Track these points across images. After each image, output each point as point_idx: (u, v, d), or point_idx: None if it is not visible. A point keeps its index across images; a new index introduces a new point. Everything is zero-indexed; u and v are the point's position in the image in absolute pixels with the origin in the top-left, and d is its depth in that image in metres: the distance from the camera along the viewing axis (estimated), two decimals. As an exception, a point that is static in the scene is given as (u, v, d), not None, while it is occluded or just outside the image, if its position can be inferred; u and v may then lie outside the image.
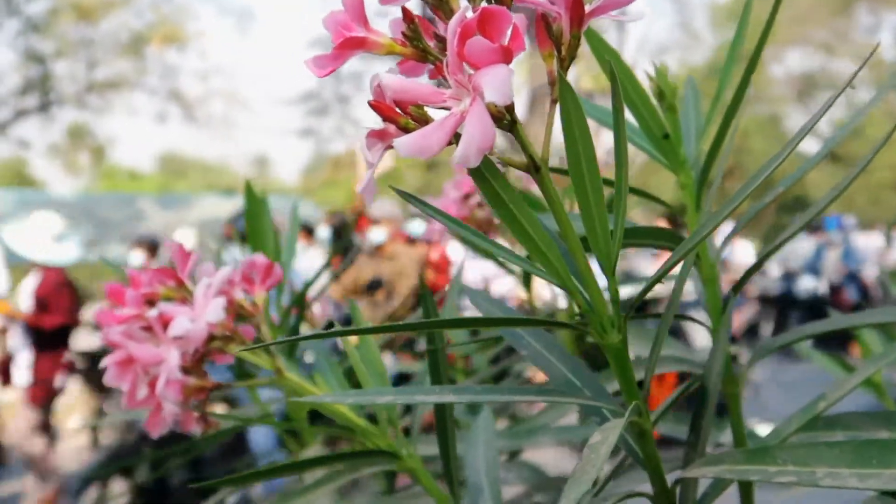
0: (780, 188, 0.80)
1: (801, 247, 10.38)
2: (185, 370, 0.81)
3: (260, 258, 0.88)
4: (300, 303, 1.18)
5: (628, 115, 0.82)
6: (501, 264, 1.38)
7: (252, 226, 1.18)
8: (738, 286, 0.76)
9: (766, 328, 10.39)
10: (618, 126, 0.56)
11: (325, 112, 20.40)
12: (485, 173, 0.53)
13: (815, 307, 9.87)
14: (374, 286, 5.23)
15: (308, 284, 1.22)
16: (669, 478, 0.63)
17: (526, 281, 1.35)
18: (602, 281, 0.59)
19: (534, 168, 0.55)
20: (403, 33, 0.54)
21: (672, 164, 0.79)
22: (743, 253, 8.88)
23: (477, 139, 0.47)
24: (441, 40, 0.55)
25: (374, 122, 0.56)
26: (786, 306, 10.49)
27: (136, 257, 6.65)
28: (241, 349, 0.80)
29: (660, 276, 0.59)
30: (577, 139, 0.53)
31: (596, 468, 0.48)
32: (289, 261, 1.23)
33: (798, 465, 0.52)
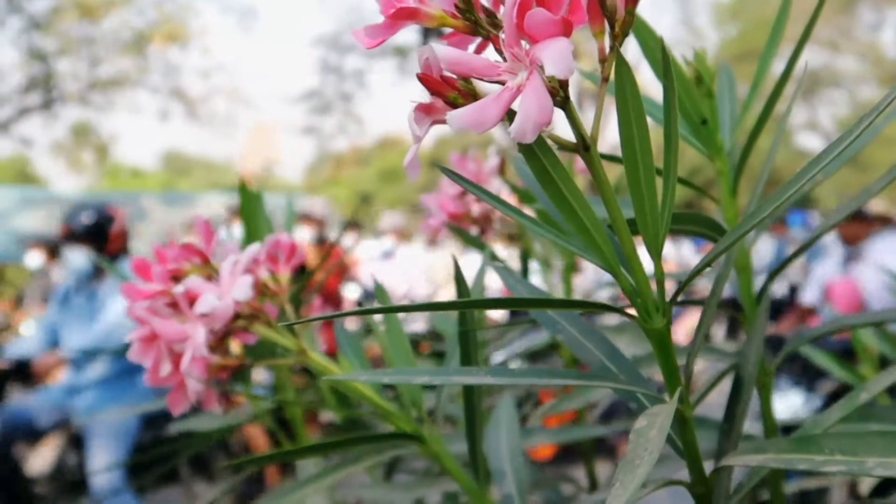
0: (804, 181, 0.79)
1: (763, 246, 10.15)
2: (210, 348, 0.80)
3: (284, 237, 0.87)
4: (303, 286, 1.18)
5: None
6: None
7: (248, 221, 1.17)
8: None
9: (719, 332, 10.20)
10: (668, 107, 0.54)
11: (328, 110, 20.34)
12: (536, 150, 0.52)
13: (772, 310, 9.59)
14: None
15: (314, 270, 1.22)
16: (708, 466, 0.62)
17: (566, 275, 1.33)
18: (647, 267, 0.58)
19: (583, 147, 0.54)
20: (456, 5, 0.52)
21: (709, 150, 0.78)
22: (765, 249, 8.80)
23: (534, 113, 0.46)
24: (489, 14, 0.54)
25: (421, 96, 0.55)
26: (738, 309, 10.23)
27: (34, 258, 6.65)
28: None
29: (707, 263, 0.58)
30: (632, 118, 0.52)
31: (649, 452, 0.47)
32: None
33: (847, 455, 0.51)
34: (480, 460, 0.80)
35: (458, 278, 0.67)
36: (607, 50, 0.54)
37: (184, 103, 19.35)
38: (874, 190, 0.75)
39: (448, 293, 6.35)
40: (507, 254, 1.47)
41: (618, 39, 0.54)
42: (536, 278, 1.42)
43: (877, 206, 4.57)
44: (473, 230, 1.38)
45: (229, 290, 0.78)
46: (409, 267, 7.45)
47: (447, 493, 0.88)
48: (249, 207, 1.18)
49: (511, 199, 1.35)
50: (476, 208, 1.39)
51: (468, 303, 0.55)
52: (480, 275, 0.84)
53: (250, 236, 1.16)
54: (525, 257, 1.36)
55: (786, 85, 0.72)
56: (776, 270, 0.76)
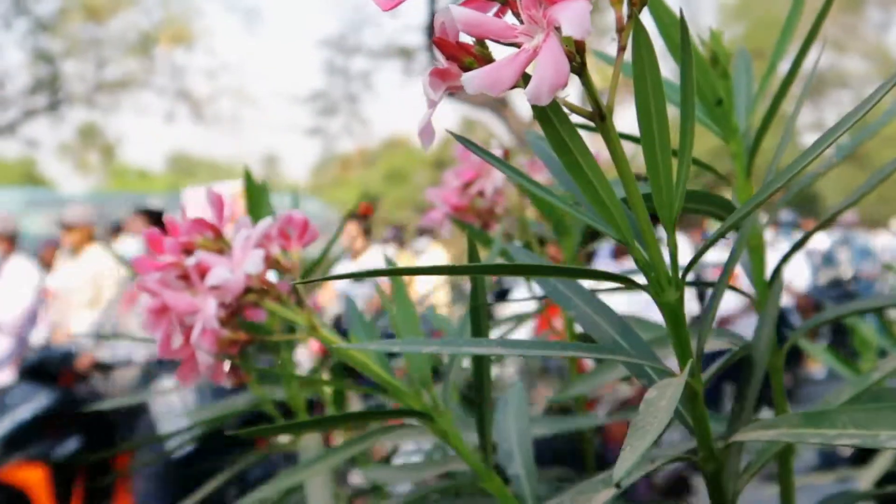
0: (821, 169, 0.79)
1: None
2: (220, 322, 0.80)
3: (297, 214, 0.86)
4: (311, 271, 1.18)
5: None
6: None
7: (252, 214, 1.17)
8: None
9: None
10: (686, 82, 0.54)
11: (334, 111, 20.31)
12: (552, 116, 0.52)
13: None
14: None
15: (323, 253, 1.22)
16: (719, 443, 0.62)
17: None
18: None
19: (599, 116, 0.53)
20: (474, -33, 0.52)
21: (724, 131, 0.78)
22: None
23: (550, 75, 0.46)
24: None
25: (439, 61, 0.55)
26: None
27: None
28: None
29: (715, 238, 0.58)
30: (649, 86, 0.52)
31: (659, 420, 0.46)
32: None
33: (860, 428, 0.51)
34: (488, 438, 0.80)
35: (472, 250, 0.67)
36: (625, 19, 0.54)
37: (189, 104, 19.41)
38: (874, 182, 0.74)
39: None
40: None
41: (636, 6, 0.54)
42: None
43: None
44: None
45: (241, 264, 0.78)
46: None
47: (448, 473, 0.88)
48: (254, 199, 1.18)
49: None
50: (480, 201, 1.39)
51: (482, 267, 0.55)
52: (494, 255, 0.84)
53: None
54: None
55: (800, 67, 0.71)
56: (789, 254, 0.76)
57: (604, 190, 0.54)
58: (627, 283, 0.57)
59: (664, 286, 0.57)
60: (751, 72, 0.86)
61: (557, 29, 0.46)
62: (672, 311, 0.57)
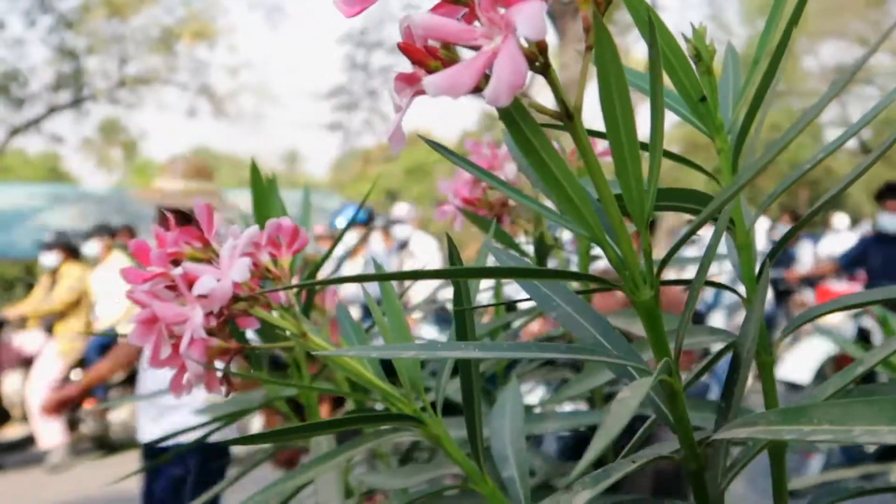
0: (807, 166, 0.78)
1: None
2: (210, 331, 0.80)
3: (286, 221, 0.87)
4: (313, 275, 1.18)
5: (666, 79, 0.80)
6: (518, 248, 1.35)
7: (260, 210, 1.14)
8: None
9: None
10: (654, 75, 0.54)
11: (355, 107, 20.35)
12: (515, 116, 0.52)
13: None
14: None
15: (325, 256, 1.21)
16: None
17: (539, 260, 1.31)
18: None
19: (566, 115, 0.53)
20: (434, -29, 0.52)
21: (709, 128, 0.77)
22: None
23: (508, 76, 0.46)
24: (471, -17, 0.53)
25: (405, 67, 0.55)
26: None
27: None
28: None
29: (690, 233, 0.58)
30: (613, 86, 0.51)
31: (620, 419, 0.46)
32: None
33: (834, 424, 0.50)
34: (480, 443, 0.79)
35: (451, 251, 0.67)
36: (591, 18, 0.54)
37: (211, 100, 19.49)
38: (862, 167, 0.73)
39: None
40: (526, 241, 1.45)
41: (601, 6, 0.54)
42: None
43: None
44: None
45: (228, 273, 0.79)
46: (421, 252, 7.50)
47: (431, 478, 0.88)
48: (263, 200, 1.15)
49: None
50: (492, 193, 1.38)
51: (460, 271, 0.54)
52: (482, 256, 0.84)
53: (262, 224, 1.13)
54: (540, 244, 1.34)
55: (781, 60, 0.71)
56: (775, 249, 0.75)
57: (572, 188, 0.54)
58: (600, 281, 0.57)
59: (639, 284, 0.57)
60: (738, 68, 0.85)
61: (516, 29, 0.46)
62: (647, 309, 0.57)
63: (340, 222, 5.46)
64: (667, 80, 0.79)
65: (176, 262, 0.82)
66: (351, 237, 6.24)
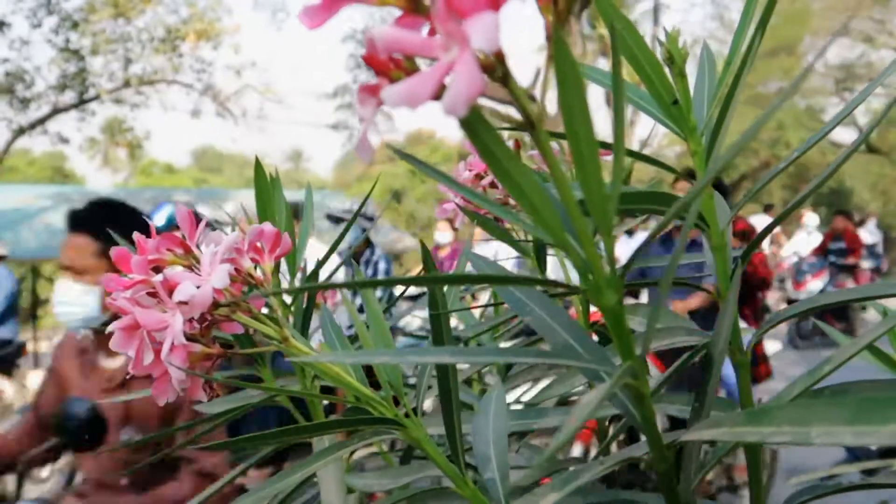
0: (782, 164, 0.78)
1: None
2: (192, 337, 0.81)
3: (268, 227, 0.88)
4: (313, 280, 1.17)
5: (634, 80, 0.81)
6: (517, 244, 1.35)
7: (262, 206, 1.14)
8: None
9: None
10: (616, 80, 0.55)
11: (358, 106, 20.32)
12: (475, 126, 0.52)
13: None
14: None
15: (322, 262, 1.21)
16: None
17: (537, 258, 1.32)
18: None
19: (529, 125, 0.54)
20: (395, -17, 0.53)
21: (682, 130, 0.78)
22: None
23: (464, 87, 0.46)
24: (433, -6, 0.54)
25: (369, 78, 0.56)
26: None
27: None
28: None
29: (655, 233, 0.58)
30: (571, 92, 0.52)
31: (581, 418, 0.47)
32: (302, 246, 1.19)
33: (794, 425, 0.51)
34: (460, 445, 0.80)
35: (426, 258, 0.67)
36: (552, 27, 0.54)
37: (216, 100, 19.49)
38: (835, 165, 0.74)
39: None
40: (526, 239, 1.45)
41: (561, 15, 0.54)
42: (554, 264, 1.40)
43: None
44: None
45: (208, 279, 0.80)
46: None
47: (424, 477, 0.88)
48: (266, 199, 1.13)
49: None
50: (492, 192, 1.38)
51: (430, 279, 0.55)
52: (463, 260, 0.85)
53: (265, 220, 1.12)
54: (539, 246, 1.34)
55: (749, 61, 0.71)
56: (748, 250, 0.76)
57: (535, 193, 0.55)
58: (563, 286, 0.57)
59: (603, 289, 0.57)
60: (714, 70, 0.86)
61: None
62: (612, 313, 0.58)
63: (158, 219, 5.37)
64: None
65: (158, 270, 0.83)
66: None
